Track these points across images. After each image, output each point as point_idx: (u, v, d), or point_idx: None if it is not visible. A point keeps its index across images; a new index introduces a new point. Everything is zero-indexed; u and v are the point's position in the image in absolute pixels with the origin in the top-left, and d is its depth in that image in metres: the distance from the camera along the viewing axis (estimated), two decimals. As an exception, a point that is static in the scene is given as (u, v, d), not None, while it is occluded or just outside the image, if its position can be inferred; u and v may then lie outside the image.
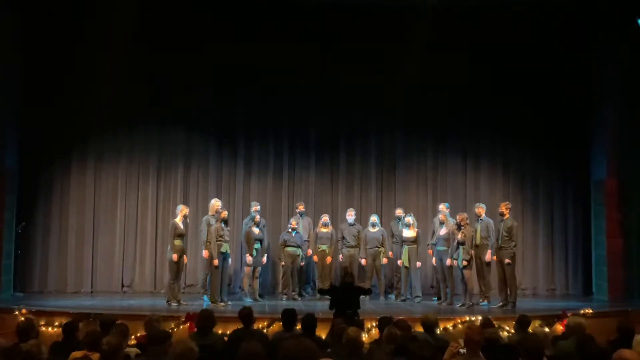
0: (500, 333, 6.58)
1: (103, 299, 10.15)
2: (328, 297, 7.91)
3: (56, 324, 7.69)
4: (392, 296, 10.75)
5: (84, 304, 9.29)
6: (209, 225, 9.51)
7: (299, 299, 10.39)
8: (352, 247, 10.54)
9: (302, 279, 10.80)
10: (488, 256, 9.61)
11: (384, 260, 10.55)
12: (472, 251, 9.52)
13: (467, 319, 8.10)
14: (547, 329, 7.93)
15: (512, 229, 9.58)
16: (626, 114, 10.85)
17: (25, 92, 10.76)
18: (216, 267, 9.36)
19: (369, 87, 11.40)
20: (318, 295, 10.24)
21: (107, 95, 10.66)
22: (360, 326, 6.23)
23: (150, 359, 4.45)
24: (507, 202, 10.00)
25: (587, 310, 8.63)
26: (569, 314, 7.91)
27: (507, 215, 9.68)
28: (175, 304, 9.23)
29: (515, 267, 9.78)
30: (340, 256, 10.60)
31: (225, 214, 9.69)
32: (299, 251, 10.46)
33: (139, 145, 11.43)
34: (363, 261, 10.47)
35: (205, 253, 9.50)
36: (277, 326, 7.47)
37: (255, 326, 6.43)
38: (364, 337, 5.71)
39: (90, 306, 8.94)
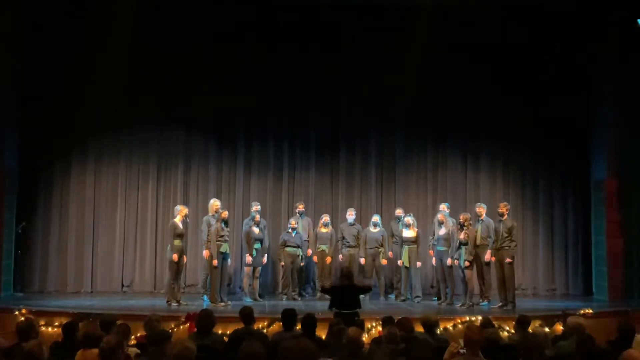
0: (500, 333, 6.59)
1: (103, 299, 10.14)
2: (328, 296, 7.89)
3: (56, 324, 7.69)
4: (392, 296, 10.74)
5: (84, 304, 9.28)
6: (209, 225, 9.52)
7: (299, 299, 10.38)
8: (352, 247, 10.54)
9: (302, 279, 10.79)
10: (487, 256, 9.61)
11: (384, 261, 10.54)
12: (474, 251, 9.52)
13: (467, 319, 8.10)
14: (547, 329, 7.92)
15: (513, 229, 9.59)
16: (626, 114, 10.84)
17: (25, 92, 10.76)
18: (215, 267, 9.37)
19: (369, 88, 11.41)
20: (318, 295, 10.24)
21: (107, 95, 10.67)
22: (360, 326, 6.23)
23: (150, 359, 4.45)
24: (506, 203, 10.04)
25: (587, 310, 8.63)
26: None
27: (506, 216, 9.69)
28: (175, 304, 9.23)
29: (514, 267, 9.78)
30: (340, 256, 10.59)
31: (225, 214, 9.70)
32: (298, 251, 10.45)
33: (139, 145, 11.42)
34: (362, 260, 10.47)
35: (205, 253, 9.50)
36: (277, 326, 7.47)
37: (255, 326, 6.42)
38: (364, 337, 5.70)
39: (90, 306, 8.93)
